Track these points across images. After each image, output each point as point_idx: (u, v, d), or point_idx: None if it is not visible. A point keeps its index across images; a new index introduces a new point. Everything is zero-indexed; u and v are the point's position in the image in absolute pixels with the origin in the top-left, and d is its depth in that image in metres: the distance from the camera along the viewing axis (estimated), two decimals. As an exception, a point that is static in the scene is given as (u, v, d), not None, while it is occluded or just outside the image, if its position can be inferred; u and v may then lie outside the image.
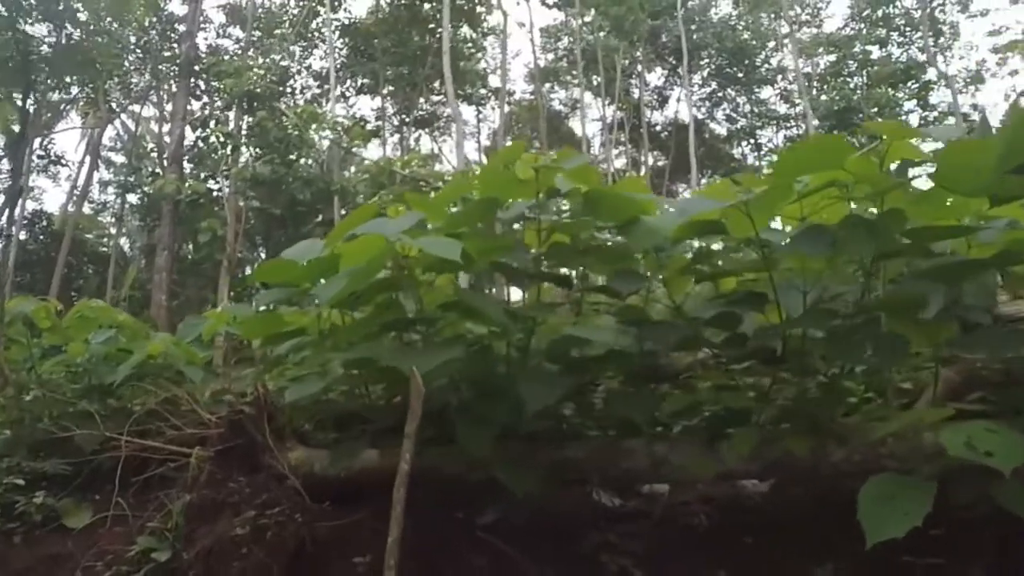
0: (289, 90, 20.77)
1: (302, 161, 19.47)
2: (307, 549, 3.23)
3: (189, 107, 20.28)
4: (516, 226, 3.10)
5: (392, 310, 2.86)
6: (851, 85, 35.91)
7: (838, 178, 2.61)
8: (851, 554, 2.45)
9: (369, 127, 25.21)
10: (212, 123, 18.39)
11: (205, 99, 20.80)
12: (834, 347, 2.62)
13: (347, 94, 27.65)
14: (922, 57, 33.67)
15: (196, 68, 20.09)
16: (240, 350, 5.94)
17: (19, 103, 19.23)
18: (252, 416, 3.88)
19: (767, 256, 2.62)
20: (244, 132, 18.30)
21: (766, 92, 40.48)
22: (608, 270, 3.01)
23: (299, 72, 22.95)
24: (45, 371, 4.85)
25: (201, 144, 20.37)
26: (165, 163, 24.28)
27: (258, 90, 18.11)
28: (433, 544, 3.22)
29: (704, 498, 3.32)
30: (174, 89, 25.19)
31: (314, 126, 16.02)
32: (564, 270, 3.30)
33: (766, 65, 39.48)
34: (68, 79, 24.23)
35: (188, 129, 19.78)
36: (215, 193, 19.31)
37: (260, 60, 19.26)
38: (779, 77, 39.93)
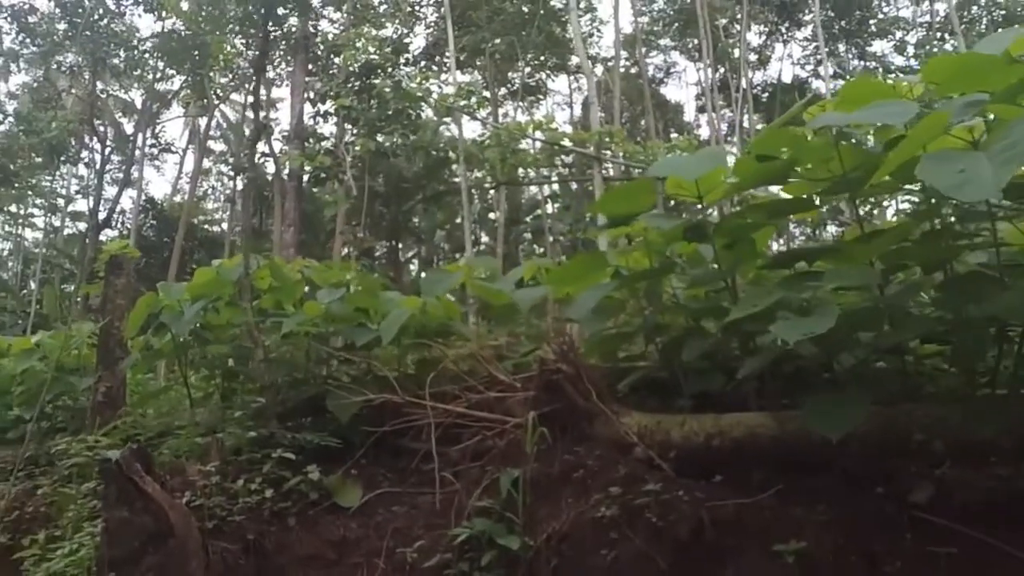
0: (402, 61, 20.36)
1: (419, 133, 19.12)
2: (705, 535, 2.58)
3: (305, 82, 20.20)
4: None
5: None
6: (974, 32, 33.35)
7: None
8: None
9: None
10: (331, 96, 18.18)
11: (319, 76, 20.66)
12: None
13: (444, 67, 27.18)
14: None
15: (312, 42, 19.96)
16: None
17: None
18: (570, 376, 3.27)
19: None
20: (360, 105, 18.03)
21: (877, 46, 37.87)
22: None
23: (405, 47, 22.53)
24: (289, 332, 4.35)
25: (319, 119, 20.29)
26: (275, 143, 24.47)
27: (376, 60, 17.80)
28: (868, 526, 2.52)
29: None
30: (280, 71, 25.25)
31: (434, 95, 15.52)
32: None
33: (880, 14, 36.99)
34: (172, 69, 24.58)
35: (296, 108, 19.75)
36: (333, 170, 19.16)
37: (372, 33, 18.94)
38: (892, 28, 37.30)
